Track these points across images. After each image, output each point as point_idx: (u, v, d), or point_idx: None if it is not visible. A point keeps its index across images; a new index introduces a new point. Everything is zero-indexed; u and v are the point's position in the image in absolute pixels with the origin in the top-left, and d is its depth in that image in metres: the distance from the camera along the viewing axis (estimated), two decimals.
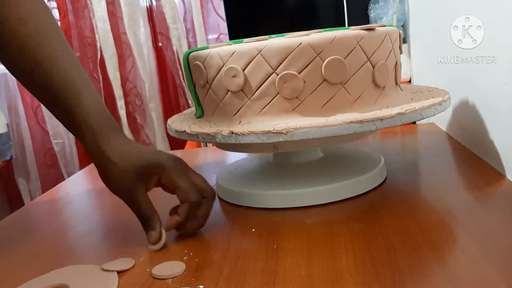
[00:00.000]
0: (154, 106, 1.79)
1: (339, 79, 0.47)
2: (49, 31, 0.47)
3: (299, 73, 0.47)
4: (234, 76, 0.49)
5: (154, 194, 0.47)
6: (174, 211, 0.47)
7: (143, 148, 0.47)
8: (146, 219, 0.45)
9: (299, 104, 0.48)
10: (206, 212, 0.47)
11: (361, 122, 0.44)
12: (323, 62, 0.46)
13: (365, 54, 0.48)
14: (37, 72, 0.46)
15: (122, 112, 1.77)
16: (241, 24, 1.52)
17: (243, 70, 0.48)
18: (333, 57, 0.46)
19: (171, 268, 0.40)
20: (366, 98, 0.49)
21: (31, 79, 0.47)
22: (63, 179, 1.79)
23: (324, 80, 0.47)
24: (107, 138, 0.46)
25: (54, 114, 0.49)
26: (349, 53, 0.47)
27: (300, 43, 0.46)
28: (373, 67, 0.49)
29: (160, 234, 0.45)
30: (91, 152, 0.47)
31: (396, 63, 0.53)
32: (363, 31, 0.48)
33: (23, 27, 0.46)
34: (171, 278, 0.39)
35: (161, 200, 0.48)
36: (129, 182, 0.45)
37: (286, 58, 0.46)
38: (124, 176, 0.45)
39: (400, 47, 0.55)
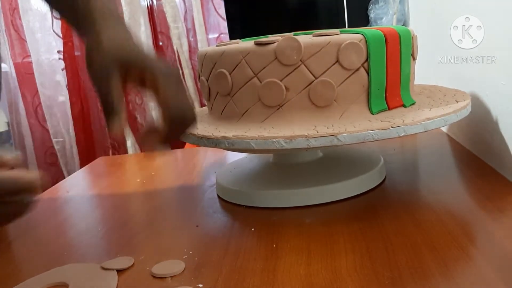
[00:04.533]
0: (154, 105, 1.79)
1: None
2: None
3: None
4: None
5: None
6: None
7: (140, 43, 0.44)
8: (113, 106, 0.41)
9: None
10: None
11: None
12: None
13: None
14: None
15: None
16: (241, 23, 1.52)
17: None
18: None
19: (170, 266, 0.40)
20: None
21: None
22: (63, 177, 1.79)
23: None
24: (107, 28, 0.43)
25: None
26: None
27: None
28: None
29: (123, 121, 0.41)
30: (85, 36, 0.44)
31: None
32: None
33: None
34: (170, 276, 0.39)
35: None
36: (109, 63, 0.41)
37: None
38: (106, 55, 0.42)
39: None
